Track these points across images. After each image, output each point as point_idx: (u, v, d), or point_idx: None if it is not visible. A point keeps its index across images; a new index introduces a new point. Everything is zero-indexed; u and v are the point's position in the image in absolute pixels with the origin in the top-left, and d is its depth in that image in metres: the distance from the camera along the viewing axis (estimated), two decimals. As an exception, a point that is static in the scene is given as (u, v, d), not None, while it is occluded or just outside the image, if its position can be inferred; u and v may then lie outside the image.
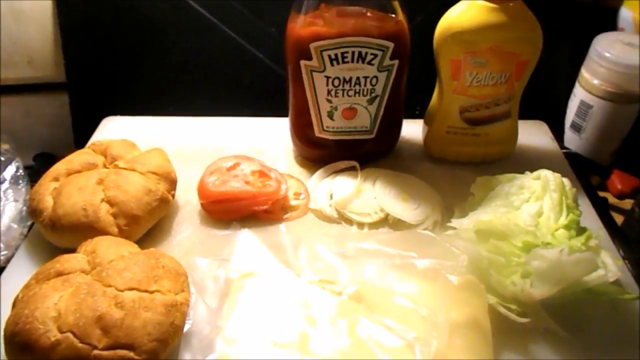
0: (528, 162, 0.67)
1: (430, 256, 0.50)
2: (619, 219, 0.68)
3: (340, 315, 0.48)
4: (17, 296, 0.47)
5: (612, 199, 0.72)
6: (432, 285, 0.49)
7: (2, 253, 0.62)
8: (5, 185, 0.70)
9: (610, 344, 0.48)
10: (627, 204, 0.70)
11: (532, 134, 0.73)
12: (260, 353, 0.46)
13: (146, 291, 0.46)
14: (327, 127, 0.65)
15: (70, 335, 0.43)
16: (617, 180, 0.72)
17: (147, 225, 0.57)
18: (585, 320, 0.49)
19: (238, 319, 0.48)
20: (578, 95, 0.75)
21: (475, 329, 0.46)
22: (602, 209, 0.64)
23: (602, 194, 0.71)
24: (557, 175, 0.55)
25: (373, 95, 0.63)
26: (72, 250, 0.51)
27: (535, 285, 0.47)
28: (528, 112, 0.69)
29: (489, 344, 0.45)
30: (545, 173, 0.56)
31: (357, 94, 0.62)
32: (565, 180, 0.55)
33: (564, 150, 0.73)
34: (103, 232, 0.54)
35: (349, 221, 0.60)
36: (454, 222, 0.56)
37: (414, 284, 0.49)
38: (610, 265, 0.49)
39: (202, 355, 0.45)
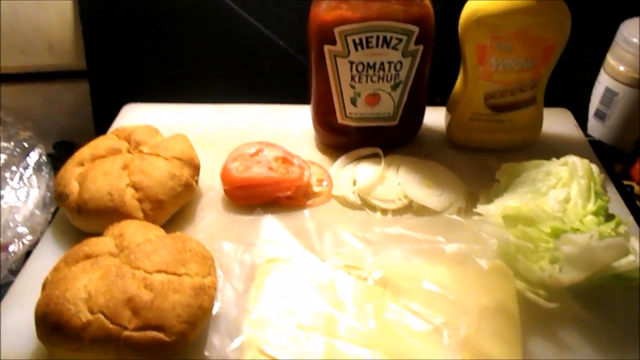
0: (552, 149, 0.66)
1: (458, 241, 0.49)
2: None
3: (367, 299, 0.48)
4: (47, 278, 0.48)
5: (636, 188, 0.71)
6: (460, 270, 0.48)
7: (27, 238, 0.62)
8: (29, 171, 0.71)
9: (637, 330, 0.48)
10: (652, 192, 0.69)
11: (556, 122, 0.72)
12: (286, 336, 0.46)
13: (175, 274, 0.46)
14: (349, 113, 0.65)
15: (101, 316, 0.43)
16: (642, 168, 0.71)
17: (172, 210, 0.57)
18: (613, 306, 0.49)
19: (264, 302, 0.48)
20: (603, 82, 0.74)
21: (504, 314, 0.46)
22: (628, 197, 0.63)
23: (626, 182, 0.70)
24: (585, 160, 0.55)
25: (397, 81, 0.62)
26: (98, 235, 0.52)
27: (564, 270, 0.47)
28: (552, 99, 0.68)
29: (517, 329, 0.45)
30: (572, 159, 0.55)
31: (380, 80, 0.62)
32: (594, 166, 0.55)
33: (587, 138, 0.72)
34: (128, 216, 0.54)
35: (373, 208, 0.60)
36: (480, 209, 0.55)
37: (441, 269, 0.49)
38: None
39: (229, 337, 0.45)
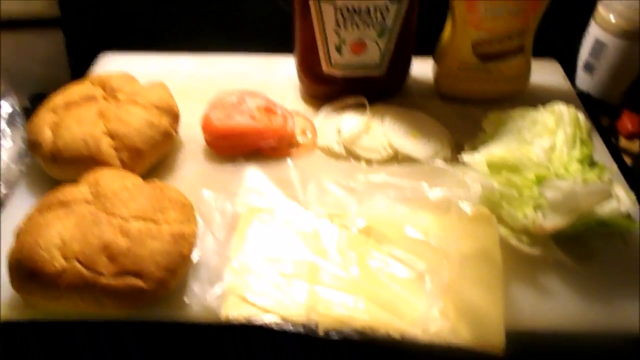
0: (539, 100, 0.63)
1: (442, 187, 0.49)
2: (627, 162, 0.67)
3: (350, 247, 0.48)
4: (20, 227, 0.46)
5: (621, 140, 0.70)
6: (443, 217, 0.48)
7: (1, 192, 0.61)
8: (2, 123, 0.68)
9: (619, 276, 0.48)
10: (636, 145, 0.69)
11: (544, 73, 0.71)
12: (269, 283, 0.46)
13: (152, 221, 0.45)
14: (335, 62, 0.63)
15: (76, 262, 0.42)
16: (628, 121, 0.71)
17: (151, 160, 0.56)
18: (594, 252, 0.49)
19: (246, 251, 0.48)
20: (592, 33, 0.72)
21: (487, 260, 0.46)
22: (613, 149, 0.63)
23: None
24: (572, 108, 0.54)
25: (383, 27, 0.60)
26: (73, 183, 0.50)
27: (547, 216, 0.46)
28: (541, 50, 0.67)
29: (500, 275, 0.45)
30: (559, 107, 0.54)
31: (366, 26, 0.60)
32: (580, 114, 0.54)
33: (575, 91, 0.71)
34: (105, 165, 0.52)
35: (358, 158, 0.59)
36: (465, 157, 0.54)
37: (425, 216, 0.49)
38: (623, 198, 0.48)
39: (210, 285, 0.45)
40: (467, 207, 0.46)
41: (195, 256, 0.46)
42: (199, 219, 0.48)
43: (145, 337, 0.47)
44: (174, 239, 0.45)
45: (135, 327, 0.46)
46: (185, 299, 0.44)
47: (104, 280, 0.42)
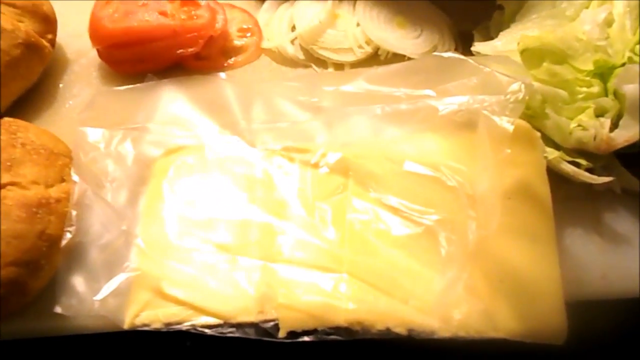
0: None
1: (458, 93, 0.34)
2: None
3: (320, 197, 0.36)
4: None
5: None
6: (461, 138, 0.34)
7: None
8: None
9: None
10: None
11: None
12: (197, 265, 0.33)
13: (-8, 185, 0.29)
14: None
15: None
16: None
17: (11, 85, 0.41)
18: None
19: (162, 218, 0.35)
20: None
21: (529, 198, 0.33)
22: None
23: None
24: (636, -39, 0.38)
25: None
26: None
27: (619, 124, 0.34)
28: None
29: (551, 222, 0.33)
30: (613, -40, 0.39)
31: None
32: (648, -29, 0.38)
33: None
34: None
35: (322, 63, 0.47)
36: (478, 46, 0.42)
37: (433, 140, 0.35)
38: None
39: (99, 279, 0.31)
40: (504, 122, 0.31)
41: (68, 236, 0.31)
42: (74, 176, 0.33)
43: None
44: (29, 211, 0.30)
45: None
46: (57, 308, 0.30)
47: None
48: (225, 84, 0.42)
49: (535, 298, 0.31)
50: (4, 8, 0.41)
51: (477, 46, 0.42)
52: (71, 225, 0.32)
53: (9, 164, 0.30)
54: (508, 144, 0.32)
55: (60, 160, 0.33)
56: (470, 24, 0.47)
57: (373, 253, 0.33)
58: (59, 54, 0.47)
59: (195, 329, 0.31)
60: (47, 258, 0.30)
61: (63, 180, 0.32)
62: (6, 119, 0.34)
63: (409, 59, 0.45)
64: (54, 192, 0.31)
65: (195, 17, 0.45)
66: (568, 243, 0.35)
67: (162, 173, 0.37)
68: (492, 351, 0.31)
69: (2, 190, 0.29)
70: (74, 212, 0.32)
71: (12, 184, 0.30)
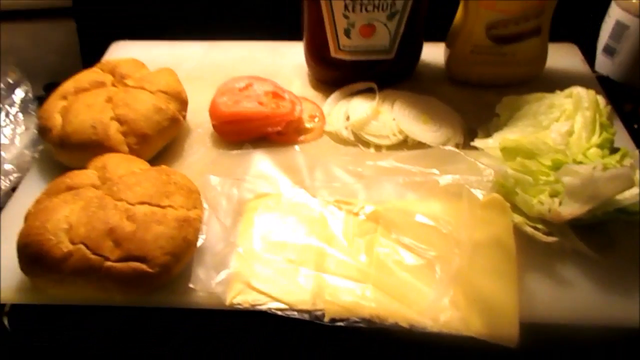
0: (556, 85, 0.60)
1: (453, 173, 0.47)
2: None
3: (358, 234, 0.47)
4: (29, 210, 0.46)
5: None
6: (454, 203, 0.46)
7: (15, 175, 0.61)
8: (15, 109, 0.69)
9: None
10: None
11: (562, 56, 0.69)
12: (275, 269, 0.45)
13: (158, 206, 0.44)
14: (343, 46, 0.61)
15: (82, 246, 0.42)
16: (651, 107, 0.68)
17: (158, 145, 0.55)
18: (614, 241, 0.47)
19: (253, 237, 0.47)
20: (613, 15, 0.70)
21: (500, 248, 0.44)
22: (636, 135, 0.60)
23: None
24: (591, 91, 0.52)
25: (393, 10, 0.59)
26: (82, 169, 0.50)
27: (564, 203, 0.44)
28: (558, 34, 0.64)
29: (514, 264, 0.43)
30: (577, 90, 0.52)
31: (376, 9, 0.58)
32: (600, 98, 0.52)
33: (595, 74, 0.69)
34: (113, 150, 0.52)
35: (366, 144, 0.58)
36: (477, 142, 0.53)
37: (435, 202, 0.47)
38: (645, 185, 0.46)
39: (215, 270, 0.44)
40: (479, 194, 0.45)
41: (200, 242, 0.45)
42: (204, 204, 0.48)
43: (150, 322, 0.47)
44: (179, 223, 0.44)
45: (140, 312, 0.45)
46: (190, 284, 0.43)
47: (109, 264, 0.42)
48: (298, 154, 0.54)
49: (499, 313, 0.41)
50: (160, 94, 0.55)
51: (476, 142, 0.53)
52: (202, 235, 0.45)
53: (167, 194, 0.45)
54: (481, 208, 0.44)
55: (194, 195, 0.47)
56: (476, 123, 0.58)
57: (390, 274, 0.44)
58: (186, 124, 0.60)
59: (270, 310, 0.42)
60: (186, 253, 0.43)
61: (197, 207, 0.46)
62: (164, 167, 0.48)
63: (429, 147, 0.56)
64: (192, 213, 0.45)
65: (281, 107, 0.58)
66: (526, 280, 0.44)
67: (253, 210, 0.49)
68: (467, 346, 0.40)
69: (166, 210, 0.44)
70: (204, 227, 0.45)
71: (170, 206, 0.44)
